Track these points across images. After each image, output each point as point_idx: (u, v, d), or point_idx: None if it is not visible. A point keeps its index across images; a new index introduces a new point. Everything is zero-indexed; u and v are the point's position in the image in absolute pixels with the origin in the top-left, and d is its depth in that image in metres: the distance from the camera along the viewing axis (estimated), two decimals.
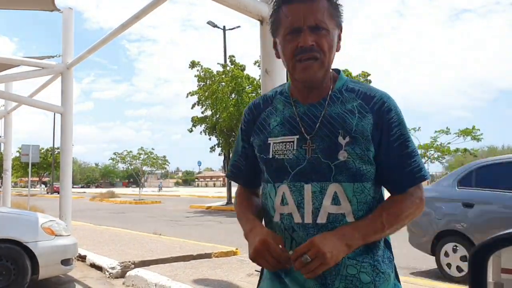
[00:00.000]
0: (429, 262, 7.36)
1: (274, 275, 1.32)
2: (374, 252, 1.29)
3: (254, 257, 1.22)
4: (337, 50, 1.31)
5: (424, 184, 1.38)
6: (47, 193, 49.55)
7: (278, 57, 1.36)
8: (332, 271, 1.22)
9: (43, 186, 67.25)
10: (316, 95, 1.31)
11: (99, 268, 6.51)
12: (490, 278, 1.05)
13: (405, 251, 8.46)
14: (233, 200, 1.47)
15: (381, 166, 1.28)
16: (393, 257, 1.39)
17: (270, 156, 1.31)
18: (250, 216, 1.37)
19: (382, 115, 1.26)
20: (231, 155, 1.45)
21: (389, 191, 1.33)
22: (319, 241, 1.16)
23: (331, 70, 1.33)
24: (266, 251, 1.19)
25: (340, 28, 1.31)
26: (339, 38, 1.32)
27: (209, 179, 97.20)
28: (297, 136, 1.28)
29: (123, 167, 37.14)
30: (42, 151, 49.96)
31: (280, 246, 1.22)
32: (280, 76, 3.14)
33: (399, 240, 10.49)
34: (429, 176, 1.26)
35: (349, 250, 1.20)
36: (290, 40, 1.26)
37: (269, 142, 1.33)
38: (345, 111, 1.27)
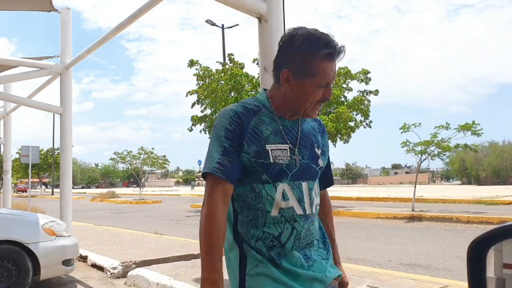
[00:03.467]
0: (430, 258, 7.37)
1: (270, 262, 1.48)
2: (322, 232, 1.68)
3: None
4: None
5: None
6: (14, 192, 49.99)
7: (290, 88, 1.52)
8: (310, 249, 1.55)
9: (43, 187, 67.36)
10: (292, 115, 1.60)
11: (100, 268, 6.50)
12: (492, 273, 1.04)
13: (406, 247, 8.47)
14: (207, 213, 1.45)
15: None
16: None
17: (272, 161, 1.49)
18: (217, 261, 1.43)
19: (325, 135, 1.72)
20: (208, 154, 1.52)
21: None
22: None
23: None
24: None
25: None
26: None
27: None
28: (289, 145, 1.54)
29: (123, 167, 37.12)
30: (42, 152, 49.93)
31: None
32: None
33: (401, 237, 10.53)
34: None
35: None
36: (320, 89, 1.50)
37: (267, 148, 1.50)
38: (312, 129, 1.65)
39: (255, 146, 1.49)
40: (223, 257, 1.49)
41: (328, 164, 1.74)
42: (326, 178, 1.74)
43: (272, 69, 1.58)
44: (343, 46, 1.48)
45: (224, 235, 1.46)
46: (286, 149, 1.52)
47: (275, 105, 1.57)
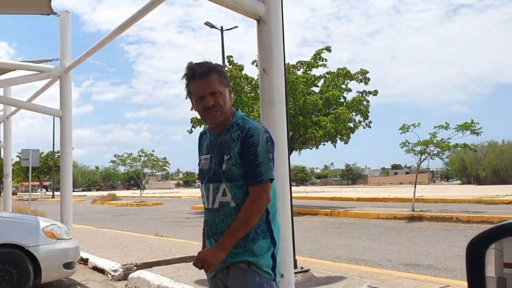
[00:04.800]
0: (431, 258, 7.37)
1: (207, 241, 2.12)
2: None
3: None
4: (231, 100, 2.08)
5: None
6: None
7: (195, 109, 2.09)
8: (222, 237, 1.96)
9: (44, 190, 67.32)
10: (220, 129, 2.07)
11: (101, 271, 6.50)
12: (492, 273, 1.04)
13: (406, 248, 8.47)
14: None
15: (244, 171, 1.96)
16: (269, 233, 2.00)
17: (200, 168, 2.15)
18: (203, 235, 2.23)
19: (245, 139, 1.96)
20: None
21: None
22: (203, 253, 1.97)
23: (235, 110, 2.09)
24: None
25: (228, 86, 2.06)
26: (230, 92, 2.08)
27: None
28: (209, 155, 2.07)
29: (123, 170, 37.08)
30: (42, 155, 49.86)
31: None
32: (278, 75, 3.13)
33: (402, 237, 10.53)
34: (267, 178, 1.61)
35: (224, 251, 1.93)
36: (199, 103, 2.02)
37: (200, 158, 2.15)
38: (230, 139, 2.01)
39: (199, 158, 2.17)
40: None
41: (248, 166, 1.95)
42: (246, 176, 1.97)
43: None
44: (201, 67, 1.99)
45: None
46: (208, 158, 2.08)
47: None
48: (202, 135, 2.22)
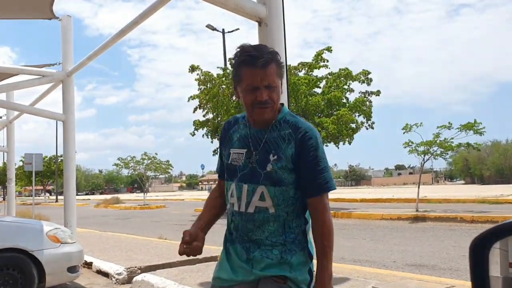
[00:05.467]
0: (435, 258, 7.35)
1: (224, 246, 1.90)
2: (285, 237, 1.76)
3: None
4: (281, 94, 1.82)
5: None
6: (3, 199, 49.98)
7: (238, 97, 1.83)
8: (254, 245, 1.77)
9: (47, 194, 67.49)
10: (264, 124, 1.81)
11: (105, 274, 6.50)
12: (497, 273, 1.04)
13: (411, 248, 8.45)
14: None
15: (300, 177, 1.76)
16: (306, 245, 1.81)
17: (229, 162, 1.86)
18: (202, 214, 1.96)
19: (303, 142, 1.74)
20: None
21: (303, 195, 1.79)
22: None
23: (279, 104, 1.83)
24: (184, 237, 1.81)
25: (282, 78, 1.80)
26: (282, 84, 1.81)
27: (212, 182, 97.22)
28: (246, 150, 1.81)
29: (127, 173, 37.02)
30: (46, 159, 49.98)
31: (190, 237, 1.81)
32: None
33: (406, 238, 10.50)
34: (334, 187, 1.49)
35: (330, 273, 1.72)
36: (250, 93, 1.73)
37: (230, 151, 1.87)
38: (279, 137, 1.77)
39: (227, 149, 1.90)
40: (208, 218, 1.97)
41: (309, 172, 1.75)
42: (304, 187, 1.77)
43: None
44: (261, 53, 1.70)
45: (208, 206, 1.99)
46: (243, 153, 1.82)
47: (248, 117, 1.87)
48: (231, 125, 1.94)
